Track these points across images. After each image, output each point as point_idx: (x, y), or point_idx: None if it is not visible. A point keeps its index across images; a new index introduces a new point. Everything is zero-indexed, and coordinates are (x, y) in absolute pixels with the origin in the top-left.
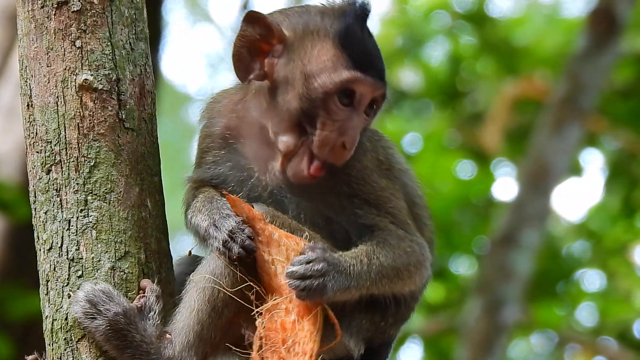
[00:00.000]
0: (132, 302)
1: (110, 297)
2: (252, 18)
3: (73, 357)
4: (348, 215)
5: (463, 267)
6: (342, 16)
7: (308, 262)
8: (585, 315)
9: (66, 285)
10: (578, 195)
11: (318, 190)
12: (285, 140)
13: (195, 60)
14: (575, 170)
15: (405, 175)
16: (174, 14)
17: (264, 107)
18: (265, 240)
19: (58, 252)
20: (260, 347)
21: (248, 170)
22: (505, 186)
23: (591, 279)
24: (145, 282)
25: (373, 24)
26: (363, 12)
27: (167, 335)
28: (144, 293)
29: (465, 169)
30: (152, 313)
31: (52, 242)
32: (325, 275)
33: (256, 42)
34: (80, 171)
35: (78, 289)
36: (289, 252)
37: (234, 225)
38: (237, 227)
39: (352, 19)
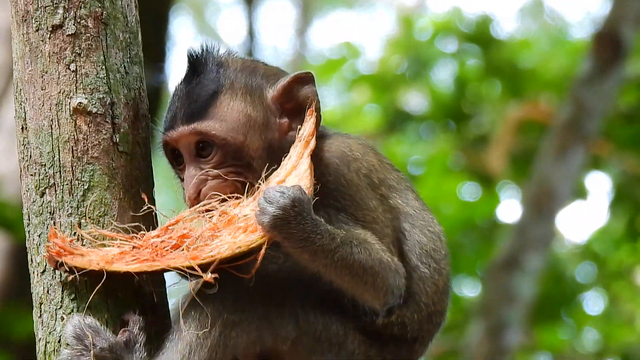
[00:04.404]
0: (117, 337)
1: (96, 331)
2: None
3: None
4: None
5: (467, 289)
6: None
7: (282, 193)
8: (589, 338)
9: (59, 308)
10: (582, 218)
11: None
12: None
13: None
14: (580, 193)
15: (398, 194)
16: (182, 33)
17: None
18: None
19: (51, 275)
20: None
21: None
22: (510, 209)
23: (594, 302)
24: (128, 315)
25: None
26: (189, 60)
27: None
28: (127, 326)
29: (470, 191)
30: (137, 345)
31: (46, 265)
32: (288, 215)
33: None
34: (74, 194)
35: (71, 312)
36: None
37: None
38: None
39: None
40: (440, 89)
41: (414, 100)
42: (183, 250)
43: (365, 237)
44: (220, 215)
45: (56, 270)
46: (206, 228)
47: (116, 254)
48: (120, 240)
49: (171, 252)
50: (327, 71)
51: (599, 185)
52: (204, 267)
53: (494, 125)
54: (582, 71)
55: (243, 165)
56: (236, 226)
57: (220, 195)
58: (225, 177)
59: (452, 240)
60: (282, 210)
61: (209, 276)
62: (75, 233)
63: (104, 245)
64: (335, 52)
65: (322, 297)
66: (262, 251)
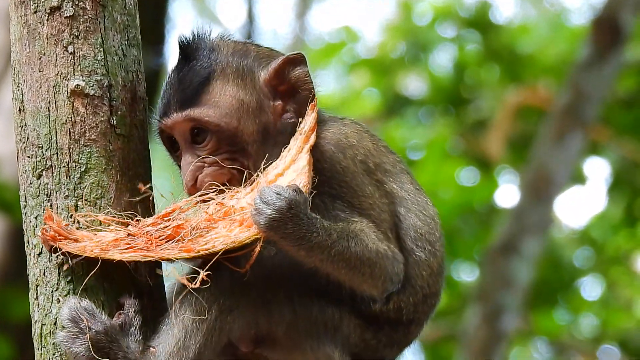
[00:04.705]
0: (112, 320)
1: (92, 314)
2: None
3: None
4: (331, 218)
5: (464, 274)
6: None
7: (278, 194)
8: (586, 323)
9: (55, 290)
10: (580, 204)
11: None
12: None
13: None
14: (578, 178)
15: (393, 178)
16: (181, 16)
17: None
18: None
19: (48, 257)
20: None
21: None
22: (508, 194)
23: (592, 288)
24: (124, 298)
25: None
26: (180, 47)
27: (152, 349)
28: (122, 309)
29: (468, 176)
30: (132, 328)
31: (42, 247)
32: (285, 217)
33: None
34: (71, 176)
35: (67, 294)
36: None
37: None
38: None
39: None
40: (439, 73)
41: (413, 85)
42: (178, 241)
43: (362, 226)
44: (216, 206)
45: (52, 253)
46: (202, 219)
47: (110, 240)
48: (115, 225)
49: (165, 242)
50: (327, 55)
51: (598, 170)
52: (198, 259)
53: (492, 110)
54: (581, 57)
55: (238, 151)
56: (232, 219)
57: (218, 186)
58: (222, 164)
59: (450, 225)
60: (278, 213)
61: (201, 275)
62: (71, 216)
63: (99, 230)
64: (335, 36)
65: (318, 281)
66: (257, 248)
